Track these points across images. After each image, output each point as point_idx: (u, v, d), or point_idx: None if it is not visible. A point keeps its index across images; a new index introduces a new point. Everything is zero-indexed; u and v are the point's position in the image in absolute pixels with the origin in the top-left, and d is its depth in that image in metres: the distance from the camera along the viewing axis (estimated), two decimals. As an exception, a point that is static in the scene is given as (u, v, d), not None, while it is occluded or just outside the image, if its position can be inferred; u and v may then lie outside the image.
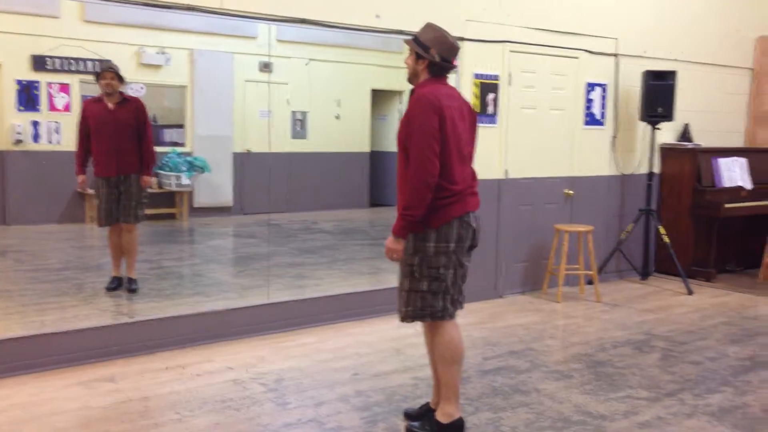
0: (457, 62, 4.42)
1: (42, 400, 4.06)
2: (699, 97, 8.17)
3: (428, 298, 3.50)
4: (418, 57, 3.55)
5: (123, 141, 5.86)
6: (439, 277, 3.48)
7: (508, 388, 4.43)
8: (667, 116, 7.35)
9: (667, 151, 7.94)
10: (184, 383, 4.37)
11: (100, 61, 8.17)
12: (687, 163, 7.78)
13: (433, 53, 3.49)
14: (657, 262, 7.90)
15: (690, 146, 7.83)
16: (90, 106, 5.96)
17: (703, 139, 8.09)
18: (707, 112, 8.31)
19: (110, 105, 5.84)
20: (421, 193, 3.35)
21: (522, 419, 3.96)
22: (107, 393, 4.18)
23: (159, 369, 4.60)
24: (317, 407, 4.06)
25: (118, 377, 4.44)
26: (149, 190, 6.16)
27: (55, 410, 3.91)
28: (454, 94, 3.62)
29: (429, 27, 3.60)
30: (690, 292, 7.15)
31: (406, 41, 3.62)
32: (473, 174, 3.66)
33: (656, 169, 7.82)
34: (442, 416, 3.63)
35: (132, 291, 5.97)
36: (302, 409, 4.03)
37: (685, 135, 8.03)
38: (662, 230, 7.45)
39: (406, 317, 3.59)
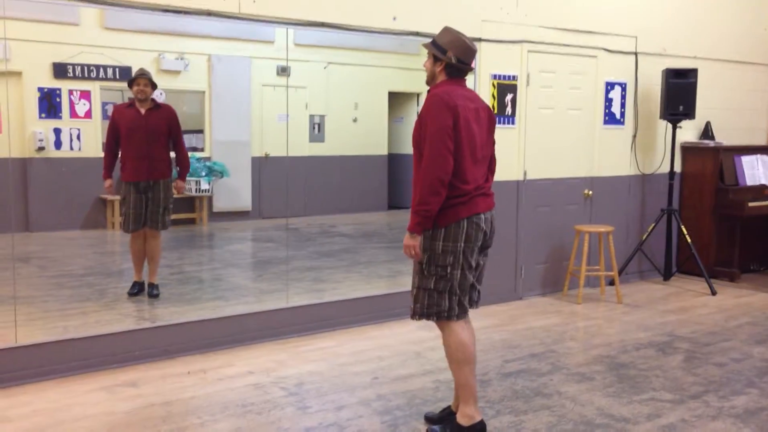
0: (474, 64, 4.32)
1: (65, 405, 4.09)
2: (720, 95, 8.08)
3: (435, 296, 3.53)
4: (435, 59, 3.58)
5: (154, 147, 5.92)
6: (445, 275, 3.50)
7: (530, 391, 4.40)
8: (689, 114, 7.28)
9: (688, 150, 7.85)
10: (206, 388, 4.38)
11: (121, 67, 8.24)
12: (709, 162, 7.69)
13: (450, 55, 3.52)
14: (679, 263, 7.81)
15: (712, 144, 7.75)
16: (122, 112, 5.99)
17: (725, 136, 8.00)
18: (729, 110, 8.21)
19: (142, 111, 5.89)
20: (435, 188, 3.37)
21: (544, 422, 3.93)
22: (129, 398, 4.21)
23: (180, 374, 4.62)
24: (338, 411, 4.05)
25: (140, 382, 4.46)
26: (176, 196, 6.21)
27: (78, 416, 3.94)
28: (472, 96, 3.62)
29: (446, 30, 3.64)
30: (713, 293, 7.06)
31: (424, 44, 3.65)
32: (487, 176, 3.66)
33: (678, 168, 7.74)
34: (462, 418, 3.62)
35: (154, 296, 6.00)
36: (323, 413, 4.03)
37: (706, 133, 7.95)
38: (684, 230, 7.37)
39: (414, 314, 3.63)
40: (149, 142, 5.89)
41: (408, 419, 3.93)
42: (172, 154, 6.17)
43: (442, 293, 3.52)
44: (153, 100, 5.97)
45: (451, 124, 3.39)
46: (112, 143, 5.97)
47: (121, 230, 6.13)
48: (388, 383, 4.50)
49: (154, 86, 5.93)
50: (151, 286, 6.05)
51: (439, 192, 3.39)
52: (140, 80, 5.87)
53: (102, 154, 6.19)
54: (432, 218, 3.44)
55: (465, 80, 3.66)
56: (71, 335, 4.78)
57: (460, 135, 3.42)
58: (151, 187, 5.94)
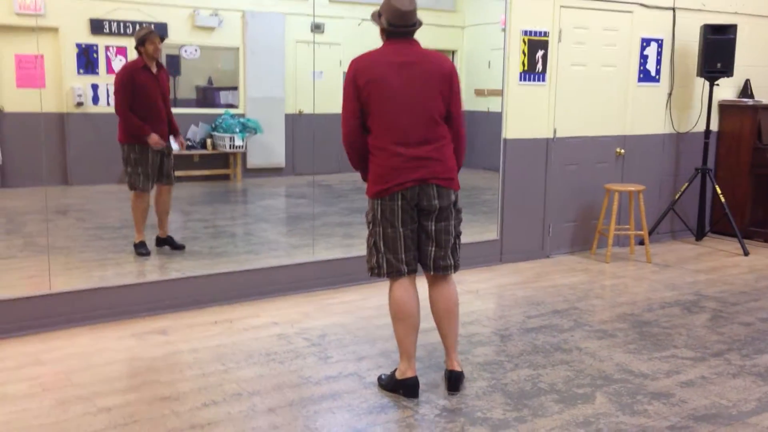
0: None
1: (96, 350, 4.26)
2: (761, 52, 7.85)
3: (367, 251, 3.72)
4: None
5: (166, 107, 5.99)
6: (370, 231, 3.67)
7: (550, 346, 4.43)
8: (727, 72, 7.09)
9: (726, 108, 7.68)
10: (231, 337, 4.51)
11: (156, 24, 8.30)
12: (747, 121, 7.52)
13: (382, 20, 3.61)
14: (713, 223, 7.71)
15: (750, 103, 7.56)
16: (139, 74, 5.83)
17: (765, 95, 7.79)
18: (770, 67, 7.99)
19: (154, 71, 5.87)
20: (346, 149, 3.69)
21: (561, 376, 3.97)
22: (158, 345, 4.36)
23: (208, 323, 4.76)
24: (358, 362, 4.14)
25: (169, 330, 4.61)
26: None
27: (108, 360, 4.10)
28: (412, 52, 3.60)
29: None
30: (746, 253, 6.96)
31: (371, 14, 3.76)
32: (429, 137, 3.56)
33: (714, 127, 7.58)
34: (398, 371, 3.72)
35: (181, 247, 6.11)
36: (344, 363, 4.12)
37: (745, 91, 7.75)
38: (718, 189, 7.25)
39: None
40: (165, 102, 5.94)
41: (427, 371, 4.00)
42: None
43: (371, 248, 3.67)
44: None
45: (351, 91, 3.55)
46: (130, 103, 5.78)
47: (134, 189, 5.94)
48: (409, 336, 4.56)
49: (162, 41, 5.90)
50: (171, 238, 6.14)
51: (350, 148, 3.67)
52: (155, 39, 5.75)
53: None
54: (359, 171, 3.71)
55: (408, 39, 3.62)
56: (106, 284, 4.94)
57: (370, 95, 3.54)
58: (166, 146, 6.01)
